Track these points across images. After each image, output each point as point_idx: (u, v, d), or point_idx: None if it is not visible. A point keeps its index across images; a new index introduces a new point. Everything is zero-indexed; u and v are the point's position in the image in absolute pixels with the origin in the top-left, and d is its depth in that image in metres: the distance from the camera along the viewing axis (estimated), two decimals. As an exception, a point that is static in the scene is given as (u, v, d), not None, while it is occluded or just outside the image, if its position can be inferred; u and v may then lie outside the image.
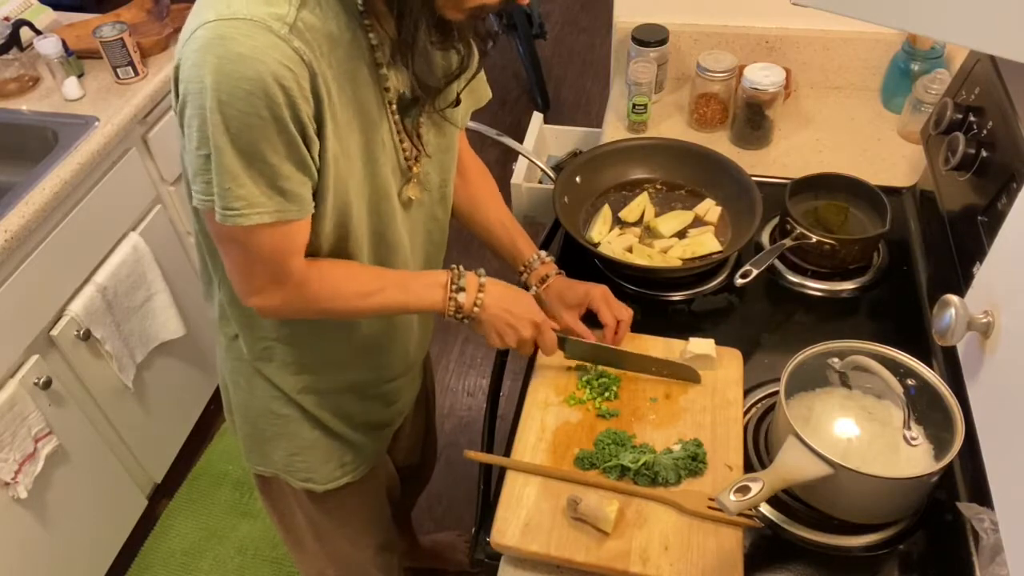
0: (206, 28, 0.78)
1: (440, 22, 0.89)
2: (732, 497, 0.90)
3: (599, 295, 1.21)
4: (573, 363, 1.19)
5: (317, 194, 0.91)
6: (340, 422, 1.20)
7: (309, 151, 0.86)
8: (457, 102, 1.02)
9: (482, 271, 1.08)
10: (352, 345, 1.12)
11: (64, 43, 1.79)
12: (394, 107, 0.95)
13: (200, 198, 0.87)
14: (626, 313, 1.21)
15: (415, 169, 1.02)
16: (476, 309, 1.06)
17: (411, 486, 1.69)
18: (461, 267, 1.07)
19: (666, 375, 1.16)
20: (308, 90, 0.82)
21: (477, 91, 1.11)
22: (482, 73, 1.07)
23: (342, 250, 0.99)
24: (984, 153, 1.07)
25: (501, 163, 3.19)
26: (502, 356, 1.29)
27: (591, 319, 1.22)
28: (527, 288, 1.25)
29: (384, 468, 1.39)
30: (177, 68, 0.83)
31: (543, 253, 1.27)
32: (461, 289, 1.05)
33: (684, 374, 1.16)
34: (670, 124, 1.71)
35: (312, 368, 1.12)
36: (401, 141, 0.98)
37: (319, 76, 0.83)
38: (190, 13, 0.84)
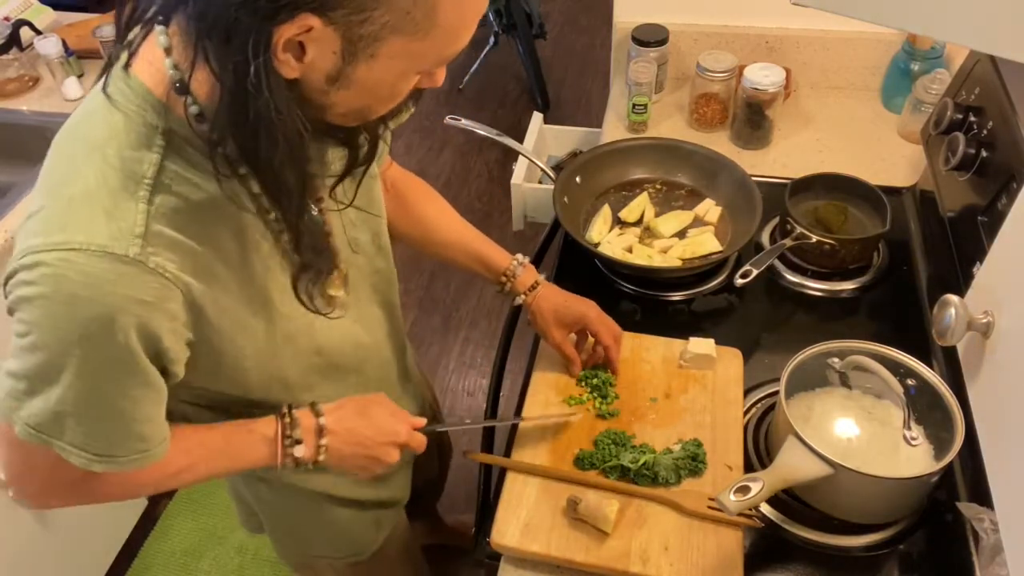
0: (35, 258, 0.66)
1: (328, 128, 0.74)
2: (732, 497, 0.90)
3: (595, 317, 1.15)
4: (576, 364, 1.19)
5: (219, 368, 0.82)
6: (372, 488, 1.14)
7: (168, 370, 0.76)
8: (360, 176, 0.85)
9: (317, 403, 0.92)
10: None
11: (64, 43, 1.79)
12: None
13: (4, 409, 0.72)
14: (618, 330, 1.17)
15: (335, 271, 0.89)
16: (323, 456, 0.91)
17: (433, 494, 1.68)
18: (292, 411, 0.90)
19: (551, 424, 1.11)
20: (178, 309, 0.72)
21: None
22: None
23: (277, 380, 0.90)
24: (984, 153, 1.07)
25: (501, 163, 3.20)
26: (502, 356, 1.29)
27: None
28: (512, 297, 1.17)
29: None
30: (5, 282, 0.70)
31: (520, 256, 1.18)
32: (296, 442, 0.89)
33: (562, 416, 1.11)
34: (670, 124, 1.71)
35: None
36: (311, 308, 0.85)
37: (192, 280, 0.72)
38: (28, 210, 0.72)
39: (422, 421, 1.01)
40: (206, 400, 0.91)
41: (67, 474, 0.78)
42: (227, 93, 0.63)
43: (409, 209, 1.15)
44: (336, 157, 0.81)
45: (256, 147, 0.65)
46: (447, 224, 1.18)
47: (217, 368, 0.83)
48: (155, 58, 0.69)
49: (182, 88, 0.67)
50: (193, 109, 0.68)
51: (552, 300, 1.16)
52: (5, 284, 0.70)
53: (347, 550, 1.19)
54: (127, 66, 0.70)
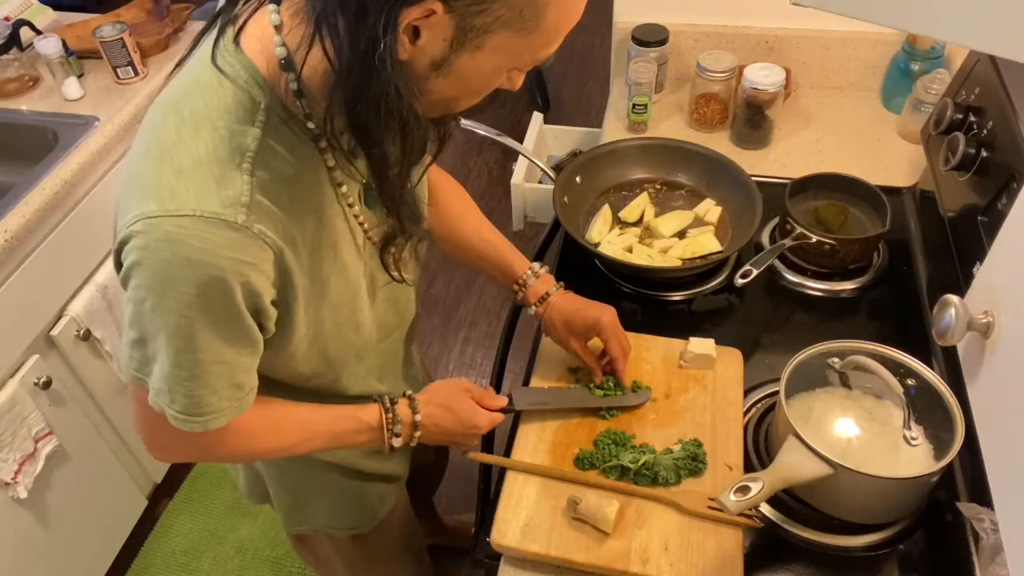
0: (149, 224, 0.70)
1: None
2: (732, 497, 0.90)
3: (609, 324, 1.12)
4: (573, 364, 1.19)
5: (290, 334, 0.86)
6: (376, 461, 1.17)
7: (264, 326, 0.81)
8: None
9: (412, 396, 1.02)
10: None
11: (64, 43, 1.79)
12: (373, 242, 0.90)
13: (135, 374, 0.80)
14: (629, 345, 1.15)
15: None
16: (415, 443, 1.03)
17: (429, 481, 1.68)
18: (393, 405, 1.00)
19: (616, 410, 1.12)
20: (272, 271, 0.77)
21: None
22: None
23: (319, 353, 0.93)
24: (984, 153, 1.07)
25: (501, 163, 3.19)
26: (502, 356, 1.29)
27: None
28: (525, 306, 1.18)
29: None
30: (120, 248, 0.73)
31: (537, 265, 1.17)
32: (396, 434, 0.99)
33: (630, 402, 1.12)
34: (670, 124, 1.71)
35: None
36: (390, 271, 0.92)
37: (285, 248, 0.77)
38: (128, 177, 0.74)
39: (501, 402, 1.08)
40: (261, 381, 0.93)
41: (187, 436, 0.83)
42: (349, 69, 0.67)
43: (437, 202, 1.15)
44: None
45: (369, 122, 0.70)
46: (474, 222, 1.19)
47: (285, 336, 0.86)
48: (263, 35, 0.73)
49: (287, 64, 0.72)
50: (293, 86, 0.73)
51: (563, 310, 1.14)
52: (119, 252, 0.74)
53: (351, 521, 1.21)
54: (236, 40, 0.74)
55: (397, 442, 1.00)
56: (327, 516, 1.20)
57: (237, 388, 0.82)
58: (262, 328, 0.81)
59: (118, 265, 0.76)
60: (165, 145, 0.73)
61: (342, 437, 0.98)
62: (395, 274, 0.92)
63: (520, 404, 1.10)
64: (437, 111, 0.78)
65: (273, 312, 0.81)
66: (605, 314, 1.12)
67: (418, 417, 1.01)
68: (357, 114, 0.70)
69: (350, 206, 0.86)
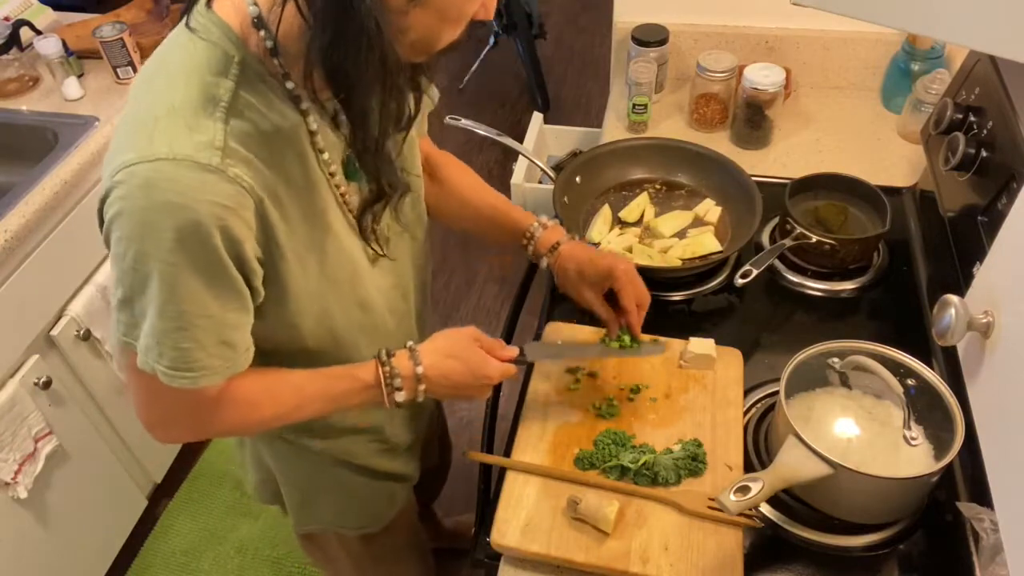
0: (128, 172, 0.71)
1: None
2: (732, 497, 0.90)
3: (623, 272, 1.07)
4: (573, 363, 1.19)
5: (284, 303, 0.85)
6: (387, 460, 1.17)
7: (251, 283, 0.80)
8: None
9: (414, 346, 0.97)
10: None
11: (64, 43, 1.79)
12: (349, 208, 0.89)
13: (123, 339, 0.80)
14: (647, 297, 1.10)
15: (373, 225, 0.94)
16: (421, 399, 0.97)
17: (432, 484, 1.69)
18: (390, 357, 0.95)
19: (630, 353, 1.11)
20: (252, 219, 0.76)
21: (430, 97, 1.01)
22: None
23: (327, 331, 0.94)
24: (984, 153, 1.07)
25: (501, 163, 3.19)
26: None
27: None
28: (537, 261, 1.16)
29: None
30: (103, 201, 0.74)
31: (544, 218, 1.14)
32: (397, 389, 0.94)
33: (644, 354, 1.12)
34: (670, 124, 1.71)
35: (354, 418, 1.09)
36: (376, 240, 0.92)
37: (264, 196, 0.76)
38: (113, 140, 0.77)
39: (513, 352, 1.02)
40: (271, 358, 0.92)
41: (184, 402, 0.83)
42: (324, 21, 0.68)
43: (443, 182, 1.15)
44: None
45: (348, 67, 0.70)
46: (481, 194, 1.18)
47: (280, 305, 0.86)
48: None
49: (259, 22, 0.74)
50: (268, 44, 0.75)
51: (576, 258, 1.11)
52: (101, 207, 0.75)
53: (361, 521, 1.21)
54: (208, 4, 0.76)
55: (400, 397, 0.94)
56: (337, 515, 1.20)
57: (227, 346, 0.80)
58: (250, 287, 0.80)
59: (101, 223, 0.76)
60: (142, 102, 0.75)
61: (340, 399, 0.94)
62: (375, 247, 0.92)
63: (532, 356, 1.06)
64: (418, 52, 0.77)
65: (259, 269, 0.80)
66: (620, 262, 1.09)
67: (420, 369, 0.95)
68: (335, 61, 0.70)
69: (332, 175, 0.85)
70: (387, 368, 0.94)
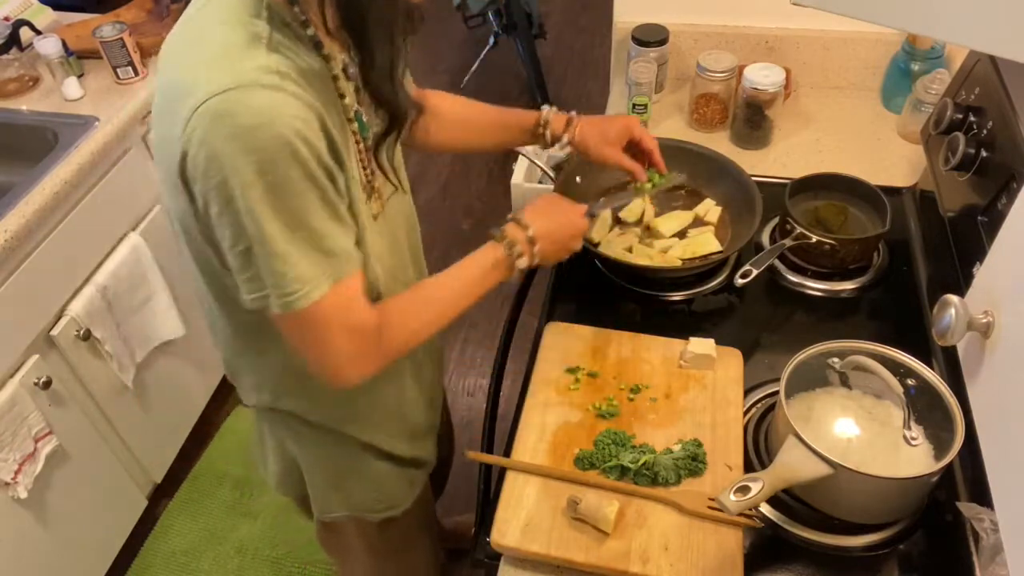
0: (200, 116, 0.74)
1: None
2: (732, 497, 0.90)
3: (636, 124, 1.23)
4: (573, 364, 1.19)
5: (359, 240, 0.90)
6: (407, 444, 1.20)
7: (340, 197, 0.84)
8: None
9: (521, 213, 1.06)
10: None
11: (64, 43, 1.79)
12: (361, 137, 0.91)
13: (251, 297, 0.84)
14: (655, 142, 1.25)
15: (375, 183, 0.97)
16: (538, 259, 1.06)
17: (440, 476, 1.69)
18: (499, 231, 1.04)
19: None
20: (320, 133, 0.79)
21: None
22: None
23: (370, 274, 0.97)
24: (984, 153, 1.07)
25: (501, 163, 3.19)
26: (502, 356, 1.29)
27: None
28: (558, 141, 1.24)
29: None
30: (183, 164, 0.77)
31: (546, 107, 1.24)
32: (520, 255, 1.03)
33: (675, 181, 1.28)
34: (670, 124, 1.71)
35: (381, 401, 1.12)
36: (361, 162, 0.94)
37: (323, 114, 0.80)
38: (163, 94, 0.80)
39: (585, 208, 1.14)
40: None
41: (333, 323, 0.86)
42: None
43: (442, 113, 1.21)
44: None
45: (357, 4, 0.77)
46: (480, 113, 1.26)
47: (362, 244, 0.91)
48: None
49: None
50: None
51: (593, 125, 1.23)
52: (182, 162, 0.77)
53: (383, 504, 1.23)
54: None
55: (522, 263, 1.03)
56: (362, 499, 1.22)
57: (330, 255, 0.83)
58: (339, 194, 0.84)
59: (189, 192, 0.79)
60: (188, 51, 0.79)
61: (477, 283, 1.01)
62: (393, 178, 0.97)
63: (595, 210, 1.17)
64: None
65: (340, 176, 0.83)
66: (630, 118, 1.24)
67: (530, 232, 1.04)
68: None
69: (350, 120, 0.89)
70: (504, 241, 1.03)
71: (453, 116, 1.23)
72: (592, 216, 1.16)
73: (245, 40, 0.77)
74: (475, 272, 1.01)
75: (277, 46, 0.78)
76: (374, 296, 0.99)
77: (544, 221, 1.06)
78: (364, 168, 0.94)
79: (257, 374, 1.08)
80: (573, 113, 1.25)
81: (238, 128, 0.73)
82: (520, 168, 1.75)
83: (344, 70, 0.87)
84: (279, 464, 1.22)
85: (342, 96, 0.87)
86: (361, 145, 0.92)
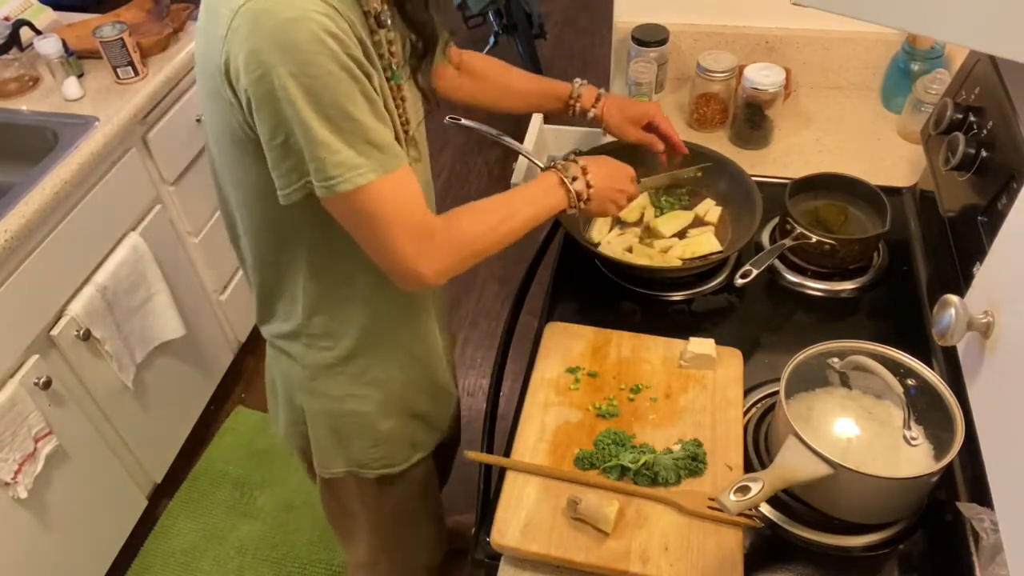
0: (242, 15, 0.78)
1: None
2: (732, 497, 0.90)
3: (656, 111, 1.35)
4: (573, 364, 1.19)
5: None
6: (416, 402, 1.23)
7: (379, 96, 0.87)
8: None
9: (571, 154, 1.17)
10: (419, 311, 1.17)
11: (64, 43, 1.79)
12: (394, 69, 0.94)
13: (290, 189, 0.87)
14: (674, 127, 1.37)
15: (409, 131, 1.01)
16: (590, 190, 1.12)
17: (445, 458, 1.70)
18: (557, 163, 1.13)
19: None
20: (351, 35, 0.82)
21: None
22: None
23: None
24: (984, 153, 1.07)
25: (501, 163, 3.19)
26: (502, 356, 1.29)
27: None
28: (585, 114, 1.37)
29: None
30: (227, 64, 0.81)
31: (578, 81, 1.36)
32: (574, 178, 1.11)
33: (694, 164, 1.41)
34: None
35: (393, 347, 1.15)
36: (396, 107, 0.97)
37: (357, 24, 0.83)
38: (205, 20, 0.84)
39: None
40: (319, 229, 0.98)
41: (391, 214, 0.89)
42: None
43: (482, 73, 1.34)
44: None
45: None
46: (514, 74, 1.38)
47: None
48: None
49: None
50: None
51: (617, 103, 1.36)
52: (227, 62, 0.81)
53: (380, 461, 1.25)
54: None
55: (578, 184, 1.11)
56: (360, 453, 1.23)
57: (375, 147, 0.86)
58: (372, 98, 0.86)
59: (234, 92, 0.83)
60: None
61: (537, 200, 1.09)
62: (429, 91, 1.02)
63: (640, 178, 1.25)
64: None
65: (376, 76, 0.86)
66: (651, 105, 1.38)
67: (583, 163, 1.13)
68: None
69: (381, 56, 0.91)
70: (560, 170, 1.12)
71: (496, 79, 1.35)
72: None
73: None
74: (532, 191, 1.09)
75: None
76: None
77: (598, 165, 1.15)
78: (397, 115, 0.97)
79: (292, 287, 1.07)
80: (603, 90, 1.36)
81: (278, 23, 0.77)
82: (520, 168, 1.75)
83: (377, 17, 0.89)
84: (287, 415, 1.25)
85: (373, 32, 0.90)
86: (394, 92, 0.95)
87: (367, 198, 0.87)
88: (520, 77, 1.38)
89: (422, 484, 1.38)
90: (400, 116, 0.97)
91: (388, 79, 0.93)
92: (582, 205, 1.13)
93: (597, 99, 1.36)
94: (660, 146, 1.36)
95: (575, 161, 1.13)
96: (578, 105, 1.36)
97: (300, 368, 1.15)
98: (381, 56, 0.91)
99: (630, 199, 1.21)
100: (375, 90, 0.86)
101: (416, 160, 1.05)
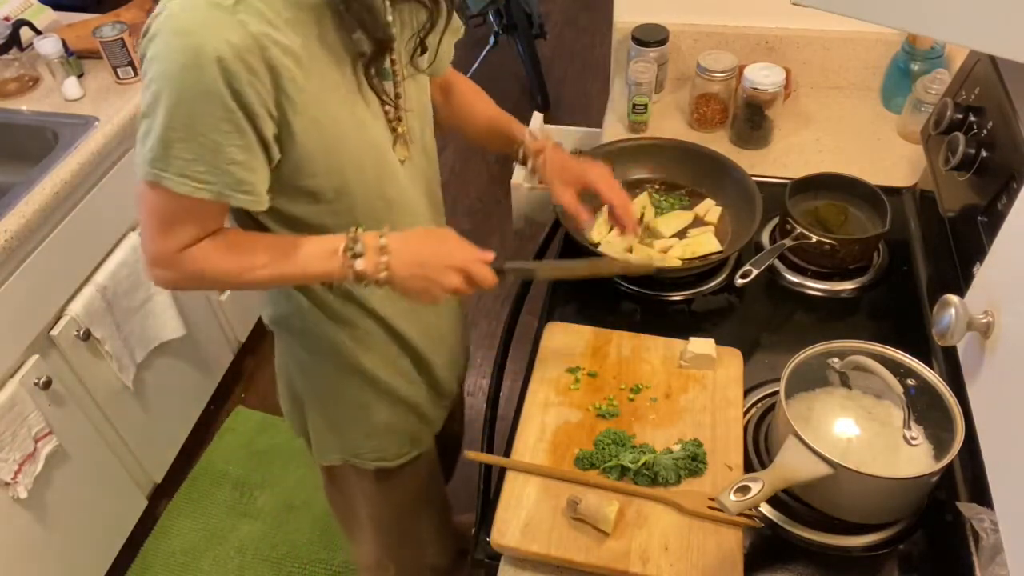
0: (166, 11, 0.81)
1: None
2: (732, 497, 0.90)
3: (597, 175, 1.21)
4: (573, 364, 1.19)
5: (300, 165, 0.92)
6: (413, 395, 1.22)
7: (261, 131, 0.86)
8: (424, 49, 1.03)
9: (386, 229, 0.98)
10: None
11: (64, 43, 1.79)
12: (381, 80, 0.96)
13: (139, 167, 0.87)
14: (625, 198, 1.22)
15: (400, 129, 1.02)
16: (384, 274, 0.97)
17: (448, 458, 1.70)
18: (360, 230, 0.97)
19: (617, 272, 1.23)
20: (258, 65, 0.82)
21: (455, 29, 1.12)
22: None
23: (346, 215, 0.99)
24: (984, 153, 1.07)
25: (501, 163, 3.19)
26: (502, 356, 1.29)
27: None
28: (526, 164, 1.26)
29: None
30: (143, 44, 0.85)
31: (536, 129, 1.29)
32: (358, 255, 0.95)
33: (634, 269, 1.21)
34: (670, 124, 1.71)
35: (390, 338, 1.15)
36: (383, 102, 0.98)
37: (275, 47, 0.82)
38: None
39: (490, 256, 1.02)
40: (288, 226, 1.00)
41: (184, 225, 0.90)
42: None
43: (454, 97, 1.28)
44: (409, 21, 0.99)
45: None
46: (480, 107, 1.30)
47: (296, 173, 0.92)
48: None
49: None
50: None
51: (560, 159, 1.23)
52: (143, 48, 0.84)
53: (375, 452, 1.25)
54: None
55: (359, 264, 0.95)
56: (357, 440, 1.24)
57: (237, 182, 0.87)
58: (262, 136, 0.86)
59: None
60: None
61: (307, 259, 0.96)
62: (388, 100, 0.98)
63: (507, 265, 1.04)
64: None
65: (268, 118, 0.85)
66: (594, 168, 1.22)
67: (383, 240, 0.96)
68: None
69: (361, 55, 0.92)
70: (352, 235, 0.96)
71: (465, 109, 1.28)
72: (500, 272, 1.02)
73: None
74: (312, 249, 0.96)
75: None
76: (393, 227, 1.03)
77: (414, 239, 0.99)
78: (386, 113, 0.99)
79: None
80: (553, 143, 1.24)
81: (174, 27, 0.80)
82: (520, 168, 1.75)
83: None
84: (287, 398, 1.26)
85: (351, 31, 0.90)
86: (381, 88, 0.96)
87: (155, 197, 0.88)
88: (486, 109, 1.30)
89: (424, 480, 1.38)
90: (387, 112, 0.99)
91: (373, 76, 0.94)
92: (372, 284, 0.98)
93: (539, 152, 1.23)
94: (584, 216, 1.19)
95: (381, 233, 0.97)
96: (520, 152, 1.26)
97: (295, 351, 1.17)
98: (362, 54, 0.92)
99: (457, 291, 1.00)
100: (252, 119, 0.85)
101: (404, 160, 1.04)
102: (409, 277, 0.98)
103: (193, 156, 0.84)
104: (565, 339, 1.23)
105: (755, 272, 1.27)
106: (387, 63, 0.97)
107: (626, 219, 1.21)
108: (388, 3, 0.94)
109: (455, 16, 1.11)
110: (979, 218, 1.03)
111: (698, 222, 1.42)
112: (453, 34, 1.12)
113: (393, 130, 1.01)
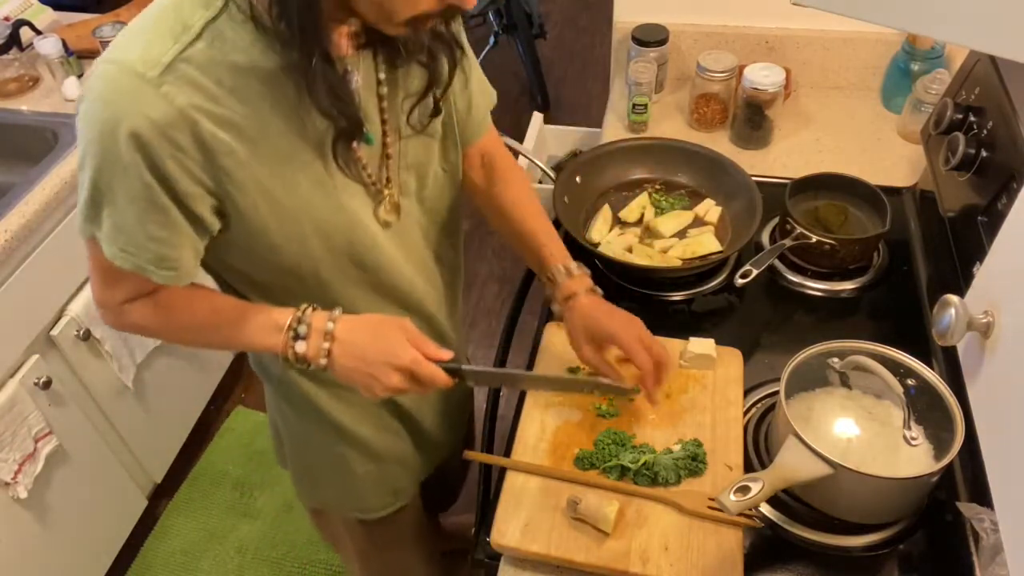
0: (98, 69, 0.79)
1: (384, 40, 0.85)
2: (732, 497, 0.90)
3: (630, 338, 1.03)
4: (573, 363, 1.18)
5: (252, 235, 0.87)
6: (395, 449, 1.19)
7: (188, 207, 0.82)
8: (437, 111, 0.95)
9: (339, 311, 0.93)
10: None
11: (64, 43, 1.79)
12: (362, 144, 0.90)
13: (78, 218, 0.87)
14: (664, 355, 1.04)
15: (386, 191, 0.95)
16: (324, 361, 0.92)
17: (444, 492, 1.68)
18: (311, 308, 0.93)
19: (596, 393, 1.10)
20: (184, 140, 0.77)
21: (483, 93, 1.07)
22: (479, 73, 1.04)
23: (313, 282, 0.94)
24: (984, 153, 1.07)
25: (501, 163, 3.19)
26: (502, 356, 1.29)
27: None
28: (549, 305, 1.14)
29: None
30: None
31: (574, 265, 1.09)
32: (300, 337, 0.91)
33: (613, 391, 1.08)
34: (670, 124, 1.71)
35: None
36: (364, 167, 0.92)
37: (207, 120, 0.78)
38: None
39: (444, 355, 0.95)
40: (256, 290, 0.97)
41: (114, 288, 0.89)
42: None
43: (493, 191, 1.16)
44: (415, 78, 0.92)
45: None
46: (522, 214, 1.14)
47: (250, 236, 0.88)
48: None
49: None
50: None
51: (585, 314, 1.06)
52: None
53: (352, 505, 1.23)
54: None
55: (300, 347, 0.91)
56: (332, 494, 1.22)
57: (159, 259, 0.84)
58: (191, 210, 0.82)
59: None
60: (138, 25, 0.81)
61: (251, 330, 0.92)
62: (354, 178, 0.91)
63: (463, 367, 0.97)
64: (378, 17, 0.78)
65: (198, 193, 0.81)
66: (627, 329, 1.04)
67: (331, 325, 0.91)
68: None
69: (333, 118, 0.84)
70: (299, 314, 0.92)
71: (500, 206, 1.16)
72: (455, 373, 0.96)
73: (169, 25, 0.77)
74: (259, 319, 0.92)
75: (211, 38, 0.77)
76: (369, 288, 1.00)
77: (360, 331, 0.93)
78: (366, 175, 0.92)
79: None
80: (584, 286, 1.08)
81: (94, 94, 0.78)
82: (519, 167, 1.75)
83: (339, 74, 0.82)
84: (274, 436, 1.25)
85: (314, 95, 0.81)
86: (351, 164, 0.90)
87: (91, 245, 0.88)
88: (527, 219, 1.14)
89: (408, 525, 1.33)
90: (370, 175, 0.92)
91: (358, 139, 0.88)
92: (312, 366, 0.93)
93: (570, 297, 1.07)
94: (606, 375, 1.06)
95: (331, 318, 0.92)
96: (548, 292, 1.12)
97: (275, 398, 1.15)
98: (334, 118, 0.84)
99: (401, 391, 0.93)
100: (175, 194, 0.81)
101: (390, 223, 0.97)
102: (352, 369, 0.92)
103: (115, 224, 0.82)
104: (565, 339, 1.22)
105: (755, 272, 1.27)
106: (378, 121, 0.91)
107: (648, 384, 1.05)
108: (380, 63, 0.87)
109: (486, 82, 1.05)
110: (979, 218, 1.03)
111: (698, 222, 1.42)
112: (483, 97, 1.05)
113: (378, 192, 0.94)
